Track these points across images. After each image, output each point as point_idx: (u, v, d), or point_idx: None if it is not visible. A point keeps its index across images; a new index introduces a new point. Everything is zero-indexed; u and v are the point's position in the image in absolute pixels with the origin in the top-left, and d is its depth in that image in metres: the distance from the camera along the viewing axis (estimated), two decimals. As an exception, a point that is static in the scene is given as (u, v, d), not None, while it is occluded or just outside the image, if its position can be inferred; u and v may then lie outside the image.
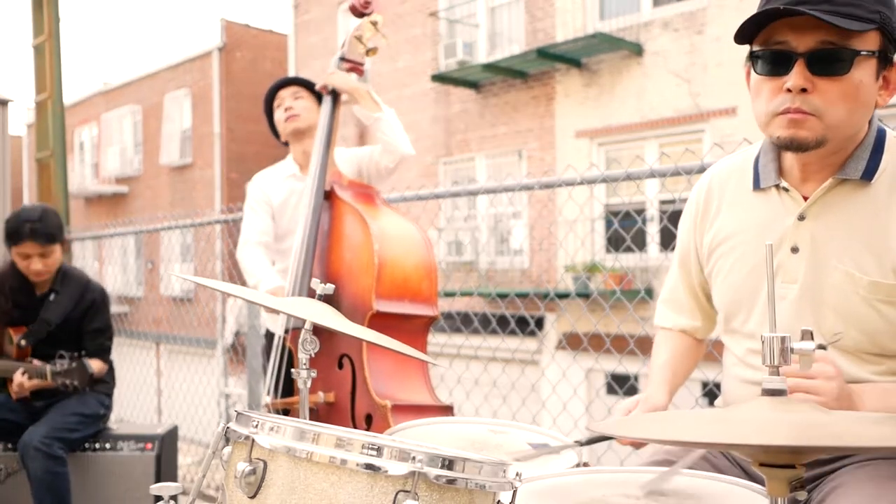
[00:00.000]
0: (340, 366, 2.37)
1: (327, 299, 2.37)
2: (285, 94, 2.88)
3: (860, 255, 1.33)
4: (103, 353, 3.19)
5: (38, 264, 3.04)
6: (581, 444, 1.51)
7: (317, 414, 2.39)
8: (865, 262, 1.33)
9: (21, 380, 2.92)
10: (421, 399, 2.34)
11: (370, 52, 2.77)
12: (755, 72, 1.36)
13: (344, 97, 2.72)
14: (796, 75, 1.28)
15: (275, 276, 2.69)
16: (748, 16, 1.31)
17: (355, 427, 2.27)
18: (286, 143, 2.94)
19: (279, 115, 2.89)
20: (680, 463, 1.37)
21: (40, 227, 3.01)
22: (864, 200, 1.35)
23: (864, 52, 1.27)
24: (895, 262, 1.31)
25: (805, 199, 1.39)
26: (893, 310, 1.32)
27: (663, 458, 1.49)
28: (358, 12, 2.74)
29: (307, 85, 2.91)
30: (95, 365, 3.05)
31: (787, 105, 1.30)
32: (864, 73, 1.29)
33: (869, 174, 1.35)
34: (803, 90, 1.28)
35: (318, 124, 2.76)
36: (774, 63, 1.31)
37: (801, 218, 1.39)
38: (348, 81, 2.70)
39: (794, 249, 1.39)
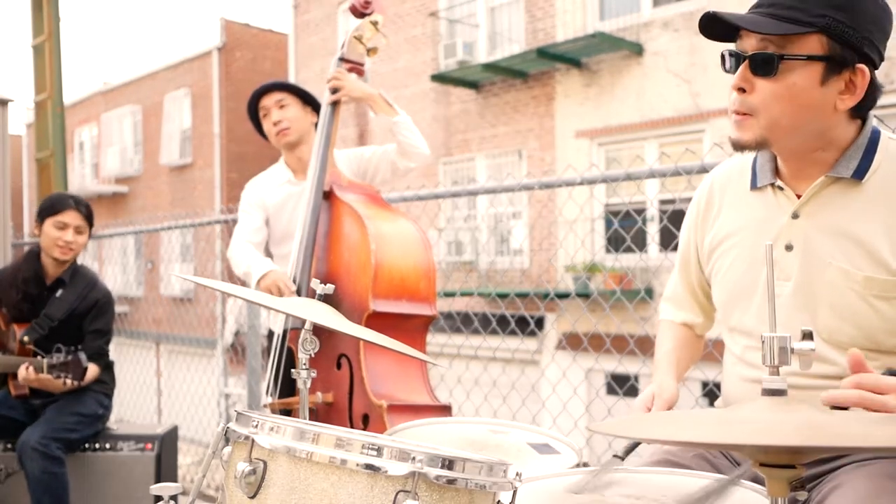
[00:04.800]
0: (339, 366, 2.37)
1: (327, 299, 2.38)
2: (270, 104, 2.81)
3: (853, 251, 1.35)
4: (100, 357, 3.19)
5: (70, 236, 3.13)
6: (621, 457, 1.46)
7: (316, 414, 2.39)
8: (858, 258, 1.35)
9: (27, 373, 2.91)
10: (418, 399, 2.34)
11: (370, 52, 2.76)
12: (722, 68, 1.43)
13: (344, 99, 2.71)
14: (738, 75, 1.36)
15: (265, 260, 2.65)
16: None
17: (353, 427, 2.27)
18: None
19: (268, 127, 2.84)
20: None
21: (83, 202, 3.22)
22: (856, 199, 1.37)
23: (793, 57, 1.30)
24: (886, 258, 1.33)
25: (799, 197, 1.42)
26: (888, 305, 1.33)
27: (663, 457, 1.49)
28: (358, 12, 2.73)
29: (290, 89, 2.86)
30: (89, 368, 3.04)
31: (733, 106, 1.38)
32: (799, 76, 1.31)
33: (860, 173, 1.37)
34: (742, 90, 1.36)
35: (311, 130, 2.75)
36: (731, 60, 1.39)
37: (795, 216, 1.42)
38: (363, 89, 2.67)
39: (789, 247, 1.42)
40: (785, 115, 1.33)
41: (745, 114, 1.36)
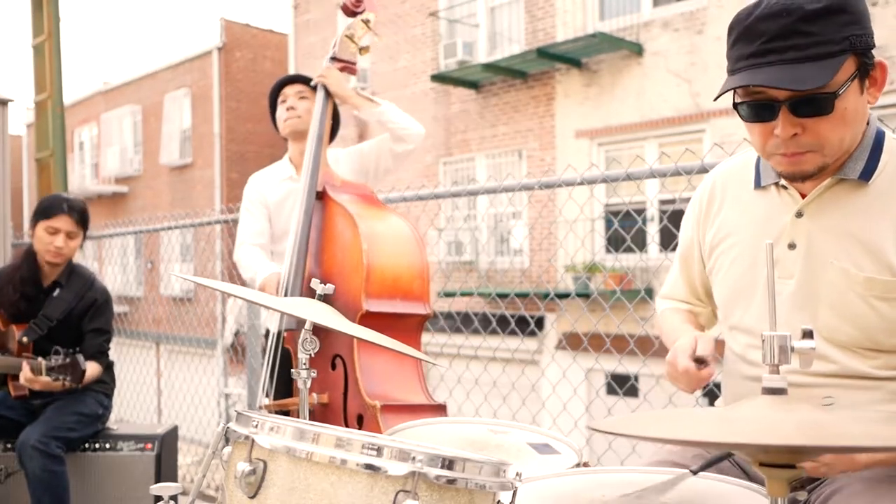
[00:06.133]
0: (333, 366, 2.37)
1: (325, 299, 2.37)
2: (290, 92, 2.84)
3: (856, 252, 1.35)
4: (100, 355, 3.19)
5: (61, 241, 3.10)
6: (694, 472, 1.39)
7: (312, 415, 2.38)
8: (861, 259, 1.35)
9: (27, 374, 2.91)
10: (413, 399, 2.34)
11: (362, 50, 2.75)
12: (741, 117, 1.37)
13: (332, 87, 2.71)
14: (783, 124, 1.30)
15: (270, 264, 2.68)
16: (727, 86, 1.33)
17: (347, 428, 2.27)
18: (286, 139, 2.93)
19: (281, 112, 2.86)
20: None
21: (77, 206, 3.16)
22: (861, 199, 1.37)
23: (843, 89, 1.28)
24: (890, 259, 1.33)
25: (803, 196, 1.42)
26: (888, 306, 1.33)
27: (664, 457, 1.49)
28: (349, 11, 2.73)
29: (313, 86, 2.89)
30: (90, 368, 3.03)
31: (783, 150, 1.33)
32: (848, 99, 1.30)
33: (867, 174, 1.37)
34: (794, 134, 1.31)
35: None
36: (758, 111, 1.33)
37: (799, 215, 1.41)
38: (342, 86, 2.67)
39: (792, 246, 1.42)
40: (845, 136, 1.33)
41: (803, 152, 1.32)
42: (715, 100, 1.38)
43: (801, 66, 1.26)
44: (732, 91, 1.37)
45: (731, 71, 1.34)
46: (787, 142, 1.31)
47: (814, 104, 1.28)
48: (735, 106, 1.37)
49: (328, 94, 2.69)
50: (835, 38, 1.26)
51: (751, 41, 1.30)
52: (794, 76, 1.26)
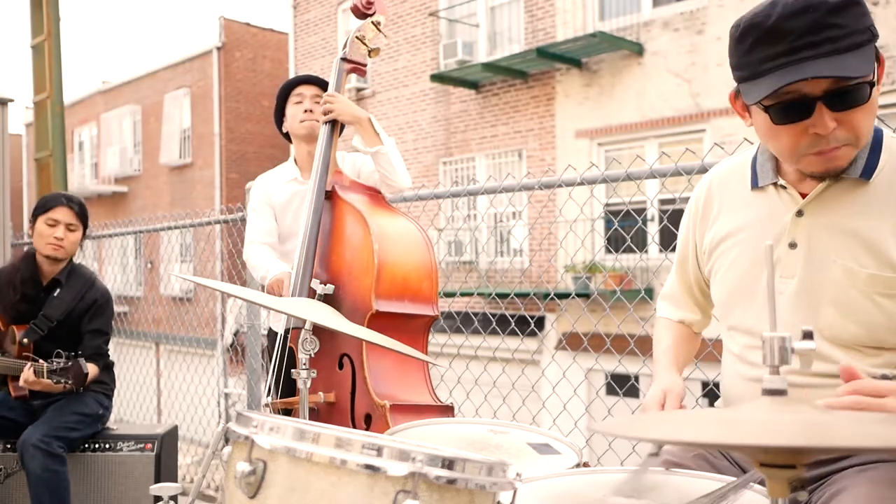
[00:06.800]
0: (341, 366, 2.37)
1: (328, 299, 2.38)
2: (308, 94, 2.81)
3: (857, 250, 1.36)
4: (99, 357, 3.18)
5: (61, 232, 3.12)
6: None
7: (317, 414, 2.39)
8: (863, 256, 1.35)
9: (29, 376, 2.91)
10: (420, 399, 2.34)
11: (372, 52, 2.75)
12: (771, 122, 1.33)
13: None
14: (822, 121, 1.28)
15: (280, 264, 2.67)
16: (767, 87, 1.29)
17: (355, 427, 2.27)
18: (285, 135, 2.91)
19: (295, 111, 2.82)
20: (648, 461, 1.36)
21: (75, 199, 3.21)
22: (862, 198, 1.37)
23: (874, 75, 1.29)
24: (892, 256, 1.33)
25: (803, 196, 1.42)
26: (891, 302, 1.34)
27: (663, 457, 1.49)
28: (360, 13, 2.73)
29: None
30: (89, 370, 3.03)
31: (820, 147, 1.31)
32: (875, 87, 1.31)
33: (868, 173, 1.37)
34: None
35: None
36: (792, 111, 1.30)
37: (800, 214, 1.41)
38: (351, 111, 2.64)
39: (793, 245, 1.42)
40: (872, 126, 1.34)
41: (839, 146, 1.31)
42: (754, 104, 1.33)
43: (842, 56, 1.25)
44: (736, 95, 1.36)
45: (755, 74, 1.31)
46: (828, 139, 1.30)
47: (853, 95, 1.27)
48: (766, 109, 1.32)
49: (334, 126, 2.66)
50: (861, 28, 1.26)
51: (776, 41, 1.27)
52: (840, 66, 1.24)
